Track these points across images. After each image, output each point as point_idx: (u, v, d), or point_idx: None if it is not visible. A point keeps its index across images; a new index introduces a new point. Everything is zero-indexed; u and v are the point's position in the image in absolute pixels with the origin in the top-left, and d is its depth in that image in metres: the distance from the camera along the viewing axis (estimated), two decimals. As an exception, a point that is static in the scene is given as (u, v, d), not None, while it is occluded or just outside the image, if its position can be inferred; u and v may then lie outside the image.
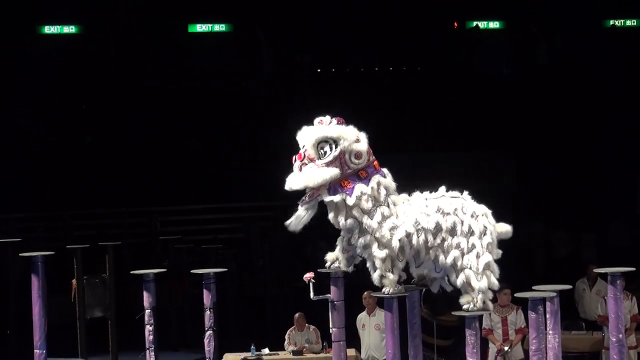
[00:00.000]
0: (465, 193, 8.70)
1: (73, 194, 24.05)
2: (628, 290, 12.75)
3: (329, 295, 8.95)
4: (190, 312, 17.57)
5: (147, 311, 10.78)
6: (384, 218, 8.41)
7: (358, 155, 8.50)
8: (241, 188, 24.51)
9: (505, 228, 8.70)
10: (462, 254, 8.41)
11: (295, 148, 8.63)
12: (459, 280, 8.40)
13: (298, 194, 8.55)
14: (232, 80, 28.19)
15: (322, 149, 8.48)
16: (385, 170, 8.65)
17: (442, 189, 8.69)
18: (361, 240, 8.40)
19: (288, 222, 8.58)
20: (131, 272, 11.19)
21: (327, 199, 8.47)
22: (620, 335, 9.09)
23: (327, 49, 30.08)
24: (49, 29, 29.35)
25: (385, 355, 8.79)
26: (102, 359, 15.29)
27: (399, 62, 30.29)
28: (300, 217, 8.53)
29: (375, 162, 8.60)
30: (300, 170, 8.50)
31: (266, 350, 14.07)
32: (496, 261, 8.53)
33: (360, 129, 8.71)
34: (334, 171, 8.44)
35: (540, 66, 30.86)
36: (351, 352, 12.57)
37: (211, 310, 10.63)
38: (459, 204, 8.53)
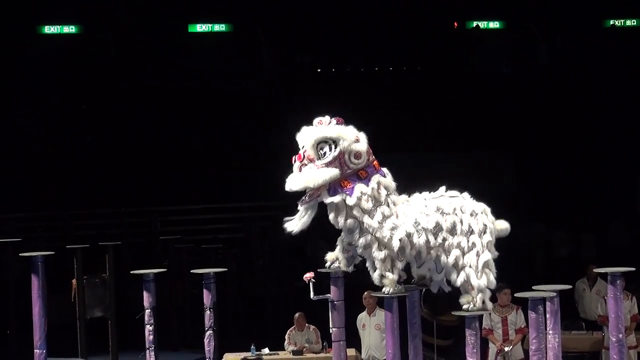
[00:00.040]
0: (466, 193, 8.71)
1: (73, 194, 24.04)
2: (628, 290, 12.75)
3: (329, 295, 8.95)
4: (190, 312, 17.57)
5: (147, 311, 10.78)
6: (385, 218, 8.41)
7: (357, 155, 8.49)
8: (241, 188, 24.50)
9: (504, 225, 8.71)
10: (463, 253, 8.42)
11: (295, 148, 8.63)
12: (460, 279, 8.40)
13: (298, 194, 8.55)
14: (232, 80, 28.18)
15: (322, 149, 8.47)
16: (385, 169, 8.65)
17: (442, 189, 8.69)
18: (362, 240, 8.40)
19: (288, 223, 8.57)
20: (131, 272, 11.18)
21: (327, 200, 8.47)
22: (620, 335, 9.09)
23: (327, 49, 30.08)
24: (49, 29, 29.36)
25: (386, 355, 8.79)
26: (102, 359, 15.28)
27: (399, 62, 30.29)
28: (300, 218, 8.53)
29: (375, 162, 8.60)
30: (300, 170, 8.50)
31: (266, 350, 14.07)
32: (495, 261, 8.54)
33: (360, 128, 8.71)
34: (334, 172, 8.43)
35: (540, 66, 30.86)
36: (351, 352, 12.57)
37: (211, 310, 10.63)
38: (458, 204, 8.54)
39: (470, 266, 8.39)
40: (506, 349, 12.69)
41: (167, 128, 26.48)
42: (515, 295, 9.22)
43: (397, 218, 8.47)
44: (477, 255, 8.41)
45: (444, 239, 8.43)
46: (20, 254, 11.06)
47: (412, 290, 8.78)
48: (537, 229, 23.84)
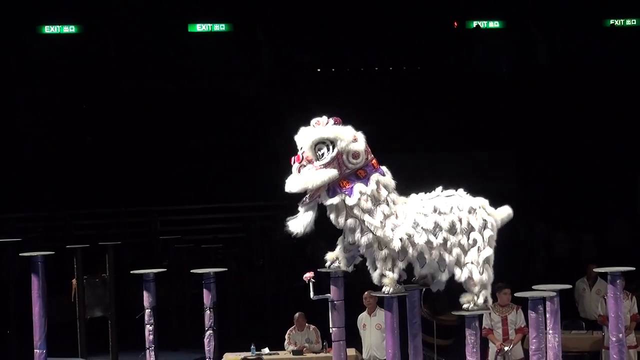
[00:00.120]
0: (461, 190, 8.68)
1: (73, 194, 24.05)
2: (628, 289, 12.73)
3: (329, 295, 8.94)
4: (190, 312, 17.57)
5: (147, 311, 10.78)
6: (385, 217, 8.41)
7: (356, 155, 8.48)
8: (241, 188, 24.50)
9: (505, 212, 8.67)
10: (465, 251, 8.42)
11: (295, 148, 8.63)
12: (463, 276, 8.39)
13: (298, 194, 8.55)
14: (232, 80, 28.20)
15: (320, 150, 8.47)
16: (384, 168, 8.64)
17: (438, 189, 8.68)
18: (364, 239, 8.39)
19: (290, 224, 8.56)
20: (131, 272, 11.18)
21: (327, 202, 8.47)
22: (620, 335, 9.09)
23: (327, 49, 30.10)
24: (49, 29, 29.39)
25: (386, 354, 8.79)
26: (102, 359, 15.29)
27: (399, 62, 30.31)
28: (302, 219, 8.52)
29: (374, 161, 8.59)
30: (299, 172, 8.50)
31: (266, 350, 14.06)
32: (495, 254, 8.52)
33: (360, 128, 8.71)
34: (332, 172, 8.43)
35: (540, 66, 30.90)
36: (351, 351, 12.56)
37: (211, 310, 10.63)
38: (455, 202, 8.52)
39: (472, 262, 8.39)
40: (506, 348, 12.68)
41: (167, 128, 26.49)
42: (515, 294, 9.22)
43: (397, 218, 8.47)
44: (479, 250, 8.40)
45: (445, 239, 8.42)
46: (20, 254, 11.06)
47: (412, 290, 8.78)
48: (537, 229, 23.85)
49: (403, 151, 23.97)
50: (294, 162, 8.54)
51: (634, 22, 31.83)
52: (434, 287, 8.71)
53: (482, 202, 8.62)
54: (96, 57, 29.00)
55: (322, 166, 8.42)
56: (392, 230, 8.38)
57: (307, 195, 8.48)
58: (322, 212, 8.57)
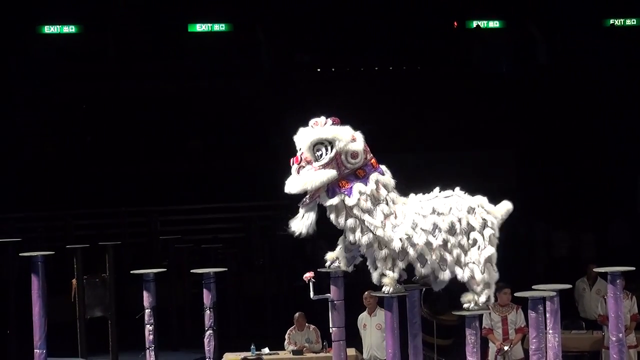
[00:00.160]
0: (457, 189, 8.67)
1: (73, 194, 24.04)
2: (628, 289, 12.73)
3: (329, 294, 8.94)
4: (190, 312, 17.57)
5: (147, 311, 10.78)
6: (385, 216, 8.41)
7: (354, 155, 8.48)
8: (241, 188, 24.50)
9: (504, 208, 8.64)
10: (465, 251, 8.41)
11: (295, 148, 8.63)
12: (465, 276, 8.39)
13: (298, 194, 8.54)
14: (232, 80, 28.19)
15: (318, 151, 8.47)
16: (383, 167, 8.64)
17: (436, 190, 8.66)
18: (364, 239, 8.39)
19: (292, 225, 8.55)
20: (131, 272, 11.18)
21: (327, 203, 8.47)
22: (620, 335, 9.09)
23: (327, 48, 30.10)
24: (49, 29, 29.39)
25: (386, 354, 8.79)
26: (102, 359, 15.28)
27: (399, 62, 30.31)
28: (303, 220, 8.52)
29: (373, 160, 8.58)
30: (298, 173, 8.50)
31: (266, 350, 14.06)
32: (497, 252, 8.51)
33: (360, 128, 8.71)
34: (331, 173, 8.43)
35: (540, 66, 30.89)
36: (351, 351, 12.56)
37: (211, 310, 10.63)
38: (453, 203, 8.52)
39: (473, 262, 8.38)
40: (505, 347, 12.68)
41: (167, 128, 26.48)
42: (515, 294, 9.22)
43: (395, 218, 8.46)
44: (479, 250, 8.39)
45: (445, 240, 8.41)
46: (20, 254, 11.06)
47: (412, 290, 8.78)
48: (537, 229, 23.85)
49: (403, 151, 23.97)
50: (293, 164, 8.54)
51: (634, 22, 31.83)
52: (437, 286, 8.69)
53: (480, 200, 8.61)
54: (96, 57, 29.00)
55: (320, 167, 8.42)
56: (393, 229, 8.39)
57: (307, 196, 8.48)
58: (322, 213, 8.57)
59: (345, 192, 8.43)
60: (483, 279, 8.38)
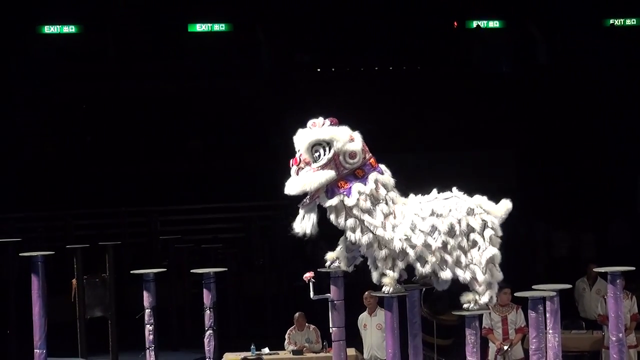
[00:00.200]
0: (455, 189, 8.65)
1: (73, 194, 24.04)
2: (628, 289, 12.73)
3: (329, 294, 8.95)
4: (190, 312, 17.57)
5: (147, 311, 10.78)
6: (384, 216, 8.42)
7: (352, 155, 8.49)
8: (241, 188, 24.50)
9: (504, 207, 8.61)
10: (465, 252, 8.41)
11: (295, 148, 8.64)
12: (466, 277, 8.39)
13: (298, 195, 8.55)
14: (232, 80, 28.19)
15: (316, 152, 8.49)
16: (382, 166, 8.64)
17: (434, 192, 8.65)
18: (365, 238, 8.40)
19: (295, 226, 8.55)
20: (131, 272, 11.18)
21: (326, 204, 8.48)
22: (620, 335, 9.09)
23: (327, 48, 30.10)
24: (49, 29, 29.38)
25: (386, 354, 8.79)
26: (102, 359, 15.28)
27: (399, 62, 30.30)
28: (303, 221, 8.53)
29: (372, 160, 8.59)
30: (297, 174, 8.51)
31: (266, 350, 14.07)
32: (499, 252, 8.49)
33: (360, 128, 8.71)
34: (330, 173, 8.44)
35: (540, 66, 30.89)
36: (351, 351, 12.56)
37: (211, 310, 10.63)
38: (452, 204, 8.50)
39: (474, 263, 8.38)
40: (505, 347, 12.68)
41: (167, 128, 26.48)
42: (515, 294, 9.23)
43: (395, 218, 8.46)
44: (480, 251, 8.38)
45: (444, 242, 8.40)
46: (20, 254, 11.07)
47: (412, 290, 8.78)
48: (537, 229, 23.85)
49: (403, 151, 23.96)
50: (292, 165, 8.55)
51: (634, 22, 31.82)
52: (440, 286, 8.67)
53: (479, 200, 8.60)
54: (96, 57, 28.99)
55: (319, 168, 8.43)
56: (392, 229, 8.39)
57: (307, 197, 8.49)
58: (322, 213, 8.57)
59: (344, 193, 8.44)
60: (485, 280, 8.38)
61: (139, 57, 29.05)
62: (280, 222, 22.32)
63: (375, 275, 8.51)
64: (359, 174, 8.52)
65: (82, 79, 27.50)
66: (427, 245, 8.37)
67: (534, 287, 8.81)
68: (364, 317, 13.07)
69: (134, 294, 13.14)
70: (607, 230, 24.14)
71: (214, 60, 28.99)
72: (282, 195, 8.65)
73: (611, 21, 31.63)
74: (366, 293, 12.64)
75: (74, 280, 15.06)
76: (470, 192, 8.70)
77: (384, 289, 8.42)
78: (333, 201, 8.44)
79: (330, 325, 9.07)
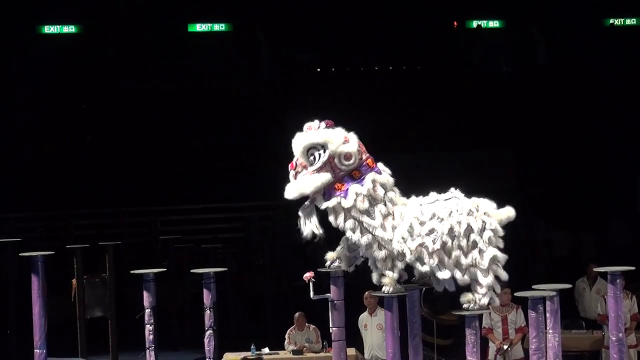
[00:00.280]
0: (453, 189, 8.64)
1: (73, 194, 24.05)
2: (628, 289, 12.73)
3: (329, 294, 8.95)
4: (190, 312, 17.57)
5: (147, 311, 10.77)
6: (383, 217, 8.41)
7: (347, 156, 8.47)
8: (241, 188, 24.51)
9: (506, 214, 8.59)
10: (465, 253, 8.40)
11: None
12: (466, 279, 8.38)
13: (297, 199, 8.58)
14: (232, 80, 28.20)
15: (312, 155, 8.49)
16: (380, 166, 8.61)
17: (434, 194, 8.64)
18: (364, 239, 8.39)
19: (302, 229, 8.57)
20: (131, 272, 11.18)
21: (322, 205, 8.49)
22: (620, 334, 9.09)
23: (327, 48, 30.10)
24: (49, 29, 29.38)
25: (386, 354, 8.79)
26: (102, 359, 15.29)
27: (399, 62, 30.31)
28: (305, 225, 8.54)
29: (369, 160, 8.56)
30: (295, 178, 8.53)
31: (266, 350, 14.07)
32: (502, 252, 8.48)
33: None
34: (326, 176, 8.44)
35: (540, 66, 30.89)
36: (351, 351, 12.56)
37: (211, 310, 10.62)
38: (453, 206, 8.49)
39: (474, 265, 8.37)
40: (505, 347, 12.69)
41: (167, 128, 26.49)
42: (515, 294, 9.22)
43: (394, 219, 8.46)
44: (481, 252, 8.38)
45: (444, 243, 8.39)
46: (20, 254, 11.06)
47: (412, 290, 8.78)
48: (537, 229, 23.85)
49: (403, 151, 23.96)
50: (290, 170, 8.57)
51: (634, 21, 31.82)
52: (439, 286, 8.67)
53: (480, 202, 8.59)
54: (96, 57, 29.00)
55: (315, 171, 8.44)
56: (392, 230, 8.39)
57: (308, 201, 8.52)
58: (323, 213, 8.58)
59: (341, 195, 8.43)
60: (487, 282, 8.38)
61: (139, 57, 29.06)
62: (280, 222, 22.34)
63: (375, 276, 8.51)
64: (356, 175, 8.51)
65: (82, 79, 27.51)
66: (425, 246, 8.36)
67: (534, 287, 8.81)
68: (364, 317, 13.07)
69: (134, 294, 13.14)
70: (607, 230, 24.15)
71: (214, 60, 29.01)
72: (282, 195, 8.66)
73: (611, 21, 31.64)
74: (366, 293, 12.64)
75: (74, 280, 15.07)
76: (470, 192, 8.69)
77: (383, 289, 8.42)
78: (330, 203, 8.45)
79: (330, 325, 9.06)
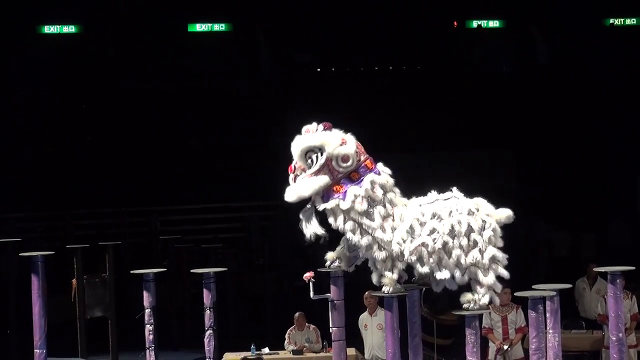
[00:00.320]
0: (454, 189, 8.64)
1: (73, 194, 24.04)
2: (628, 289, 12.74)
3: (329, 294, 8.95)
4: (190, 312, 17.57)
5: (147, 311, 10.78)
6: (382, 218, 8.40)
7: (345, 158, 8.46)
8: (241, 188, 24.50)
9: (505, 214, 8.60)
10: (466, 252, 8.40)
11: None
12: (467, 278, 8.38)
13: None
14: (232, 80, 28.19)
15: (309, 158, 8.49)
16: (380, 166, 8.60)
17: (434, 193, 8.64)
18: (364, 240, 8.39)
19: (305, 232, 8.57)
20: (131, 272, 11.18)
21: (321, 207, 8.49)
22: (620, 334, 9.09)
23: (327, 48, 30.10)
24: (49, 29, 29.38)
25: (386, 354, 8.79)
26: (102, 359, 15.29)
27: (399, 62, 30.30)
28: (306, 227, 8.55)
29: (368, 161, 8.55)
30: (294, 182, 8.53)
31: (266, 350, 14.07)
32: (502, 251, 8.48)
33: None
34: (324, 179, 8.44)
35: (540, 66, 30.88)
36: (351, 351, 12.56)
37: (211, 310, 10.63)
38: (453, 205, 8.49)
39: (475, 265, 8.37)
40: (505, 347, 12.69)
41: (167, 128, 26.48)
42: (515, 294, 9.22)
43: (393, 221, 8.45)
44: (481, 252, 8.38)
45: (445, 242, 8.39)
46: (20, 254, 11.06)
47: (411, 290, 8.77)
48: (537, 229, 23.85)
49: (403, 151, 23.95)
50: (289, 173, 8.57)
51: (634, 21, 31.82)
52: (438, 287, 8.66)
53: (479, 203, 8.59)
54: (96, 57, 29.00)
55: (313, 174, 8.43)
56: (392, 232, 8.39)
57: (309, 203, 8.53)
58: (323, 214, 8.57)
59: (340, 197, 8.42)
60: (487, 282, 8.38)
61: (139, 57, 29.06)
62: (280, 222, 22.33)
63: (375, 277, 8.51)
64: (354, 176, 8.50)
65: (82, 79, 27.51)
66: (426, 246, 8.36)
67: (534, 287, 8.81)
68: (364, 317, 13.08)
69: (134, 294, 13.14)
70: (607, 230, 24.14)
71: (214, 60, 29.00)
72: (282, 195, 8.66)
73: (611, 21, 31.63)
74: (366, 293, 12.64)
75: (74, 280, 15.07)
76: (470, 192, 8.69)
77: (383, 289, 8.41)
78: (328, 205, 8.45)
79: (330, 325, 9.07)
